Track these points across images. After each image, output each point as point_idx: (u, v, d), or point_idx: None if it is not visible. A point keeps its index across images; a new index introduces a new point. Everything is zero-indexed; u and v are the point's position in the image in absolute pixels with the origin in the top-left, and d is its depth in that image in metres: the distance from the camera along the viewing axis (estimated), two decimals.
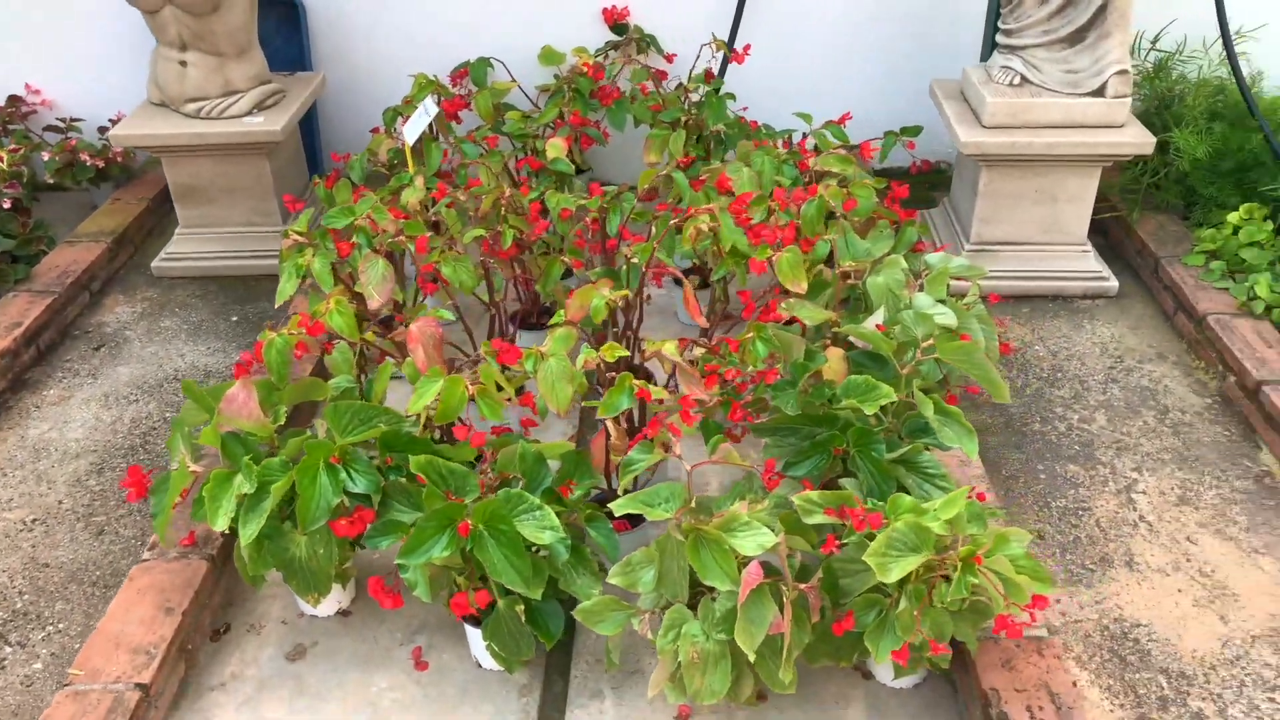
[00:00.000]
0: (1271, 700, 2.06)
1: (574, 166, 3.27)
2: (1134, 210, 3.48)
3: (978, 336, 2.56)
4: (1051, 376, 2.99)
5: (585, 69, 3.62)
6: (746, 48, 3.59)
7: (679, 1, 3.76)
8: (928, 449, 2.13)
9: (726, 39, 3.73)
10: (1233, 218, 3.26)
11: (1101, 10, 3.00)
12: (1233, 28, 3.62)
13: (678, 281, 2.62)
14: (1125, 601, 2.29)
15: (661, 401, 2.12)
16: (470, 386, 2.05)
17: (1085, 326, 3.20)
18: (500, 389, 2.10)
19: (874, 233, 2.81)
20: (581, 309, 2.30)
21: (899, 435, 2.20)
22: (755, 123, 3.55)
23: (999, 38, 3.26)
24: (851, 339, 2.35)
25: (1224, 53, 3.36)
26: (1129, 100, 3.08)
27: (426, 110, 2.99)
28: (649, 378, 2.41)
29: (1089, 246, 3.33)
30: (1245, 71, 3.71)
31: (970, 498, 1.88)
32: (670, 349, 2.19)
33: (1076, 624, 2.24)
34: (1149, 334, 3.15)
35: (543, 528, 1.88)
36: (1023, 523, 2.51)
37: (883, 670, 2.13)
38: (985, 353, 2.66)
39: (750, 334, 2.22)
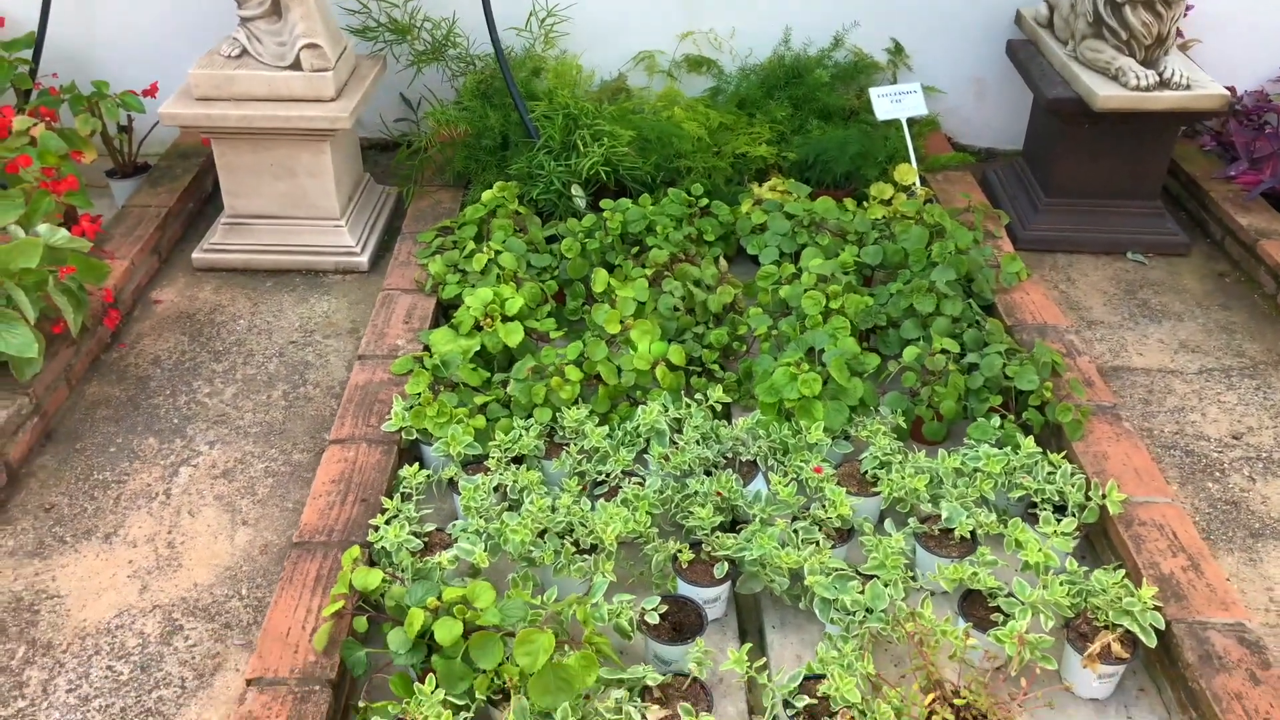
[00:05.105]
0: (111, 671, 2.08)
1: None
2: (409, 188, 3.48)
3: None
4: (227, 350, 2.98)
5: None
6: None
7: None
8: None
9: None
10: (486, 195, 3.28)
11: None
12: (545, 10, 3.66)
13: None
14: (66, 574, 2.29)
15: None
16: None
17: (310, 301, 3.20)
18: None
19: (2, 202, 2.77)
20: None
21: None
22: (55, 89, 3.49)
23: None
24: None
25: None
26: (329, 74, 3.08)
27: None
28: None
29: (342, 221, 3.33)
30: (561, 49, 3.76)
31: None
32: None
33: None
34: (362, 310, 3.16)
35: None
36: (46, 492, 2.49)
37: None
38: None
39: None
